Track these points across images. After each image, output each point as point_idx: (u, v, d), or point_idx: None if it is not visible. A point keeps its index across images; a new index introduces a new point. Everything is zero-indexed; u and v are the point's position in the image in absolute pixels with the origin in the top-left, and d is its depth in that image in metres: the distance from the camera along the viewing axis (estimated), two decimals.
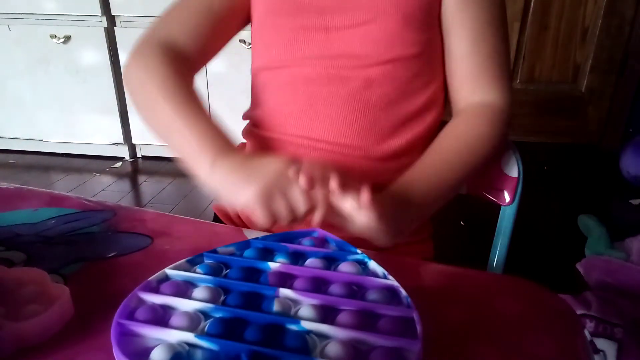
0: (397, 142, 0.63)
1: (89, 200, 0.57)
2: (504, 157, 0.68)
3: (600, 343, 1.06)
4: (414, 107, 0.63)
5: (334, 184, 0.46)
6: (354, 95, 0.61)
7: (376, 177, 0.62)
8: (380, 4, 0.60)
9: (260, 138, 0.67)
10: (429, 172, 0.58)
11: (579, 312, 1.12)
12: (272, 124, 0.66)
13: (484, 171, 0.65)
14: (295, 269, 0.39)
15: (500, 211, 0.72)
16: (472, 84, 0.64)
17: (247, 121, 0.72)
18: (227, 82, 2.09)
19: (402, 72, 0.62)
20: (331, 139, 0.62)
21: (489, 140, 0.62)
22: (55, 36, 2.21)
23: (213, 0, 0.65)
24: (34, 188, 0.60)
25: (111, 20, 2.20)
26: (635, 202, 1.98)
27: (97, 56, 2.23)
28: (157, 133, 0.59)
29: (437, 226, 0.70)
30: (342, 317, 0.33)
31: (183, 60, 0.62)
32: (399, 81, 0.62)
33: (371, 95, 0.61)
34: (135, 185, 2.21)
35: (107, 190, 2.13)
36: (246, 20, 0.69)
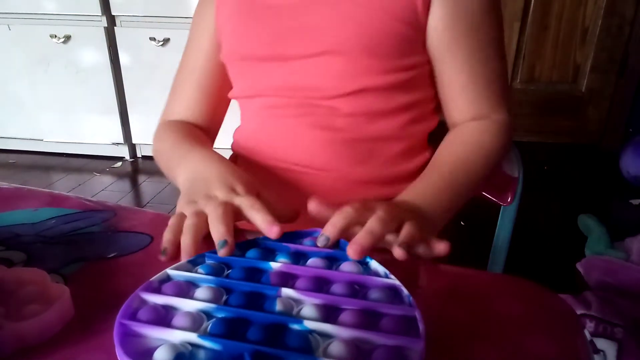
0: (374, 164, 0.62)
1: (89, 200, 0.57)
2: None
3: (600, 343, 1.06)
4: (392, 129, 0.62)
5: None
6: (322, 123, 0.61)
7: (354, 198, 0.62)
8: (339, 35, 0.57)
9: (243, 156, 0.69)
10: (440, 183, 0.55)
11: (579, 312, 1.12)
12: (252, 146, 0.67)
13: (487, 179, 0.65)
14: (296, 269, 0.39)
15: (500, 211, 0.72)
16: (473, 109, 0.61)
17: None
18: None
19: (371, 101, 0.60)
20: (306, 163, 0.62)
21: (493, 149, 0.60)
22: (55, 36, 2.21)
23: (199, 77, 0.69)
24: (33, 188, 0.60)
25: (111, 20, 2.20)
26: (635, 202, 1.98)
27: (97, 56, 2.23)
28: (163, 170, 0.64)
29: None
30: (345, 317, 0.33)
31: (191, 126, 0.69)
32: (368, 109, 0.60)
33: (340, 122, 0.61)
34: (135, 185, 2.21)
35: (107, 190, 2.13)
36: None
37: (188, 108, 0.70)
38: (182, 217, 0.44)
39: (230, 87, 0.69)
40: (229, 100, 0.72)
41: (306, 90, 0.60)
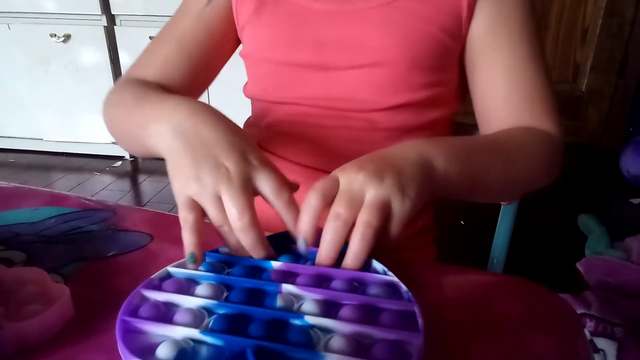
0: None
1: (88, 200, 0.57)
2: None
3: (600, 342, 1.06)
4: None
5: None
6: (357, 136, 0.59)
7: None
8: (386, 47, 0.55)
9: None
10: (457, 143, 0.47)
11: (579, 311, 1.12)
12: (274, 146, 0.64)
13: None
14: (297, 267, 0.39)
15: (500, 211, 0.72)
16: (515, 117, 0.55)
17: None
18: (227, 81, 2.09)
19: (407, 117, 0.59)
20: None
21: (534, 152, 0.52)
22: (55, 35, 2.21)
23: (185, 32, 0.60)
24: (33, 187, 0.60)
25: (111, 19, 2.20)
26: (635, 201, 1.98)
27: (97, 55, 2.23)
28: (126, 139, 0.54)
29: (437, 226, 0.70)
30: (345, 312, 0.33)
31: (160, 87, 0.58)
32: (402, 124, 0.59)
33: (375, 137, 0.59)
34: (135, 185, 2.21)
35: (107, 189, 2.13)
36: (233, 47, 0.65)
37: (164, 71, 0.60)
38: (195, 207, 0.38)
39: (219, 68, 0.65)
40: (212, 80, 0.65)
41: (344, 101, 0.58)
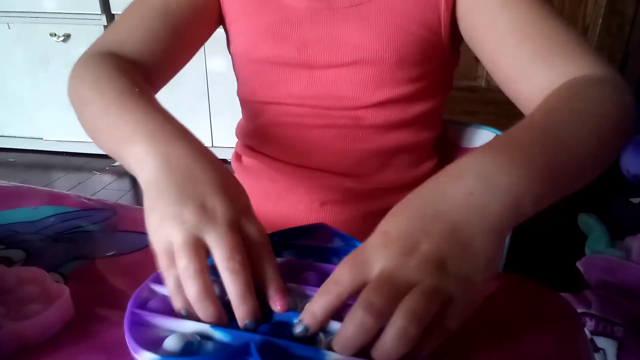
0: (390, 171, 0.63)
1: (88, 199, 0.57)
2: None
3: (601, 341, 1.06)
4: (406, 139, 0.62)
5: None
6: (344, 134, 0.60)
7: (374, 204, 0.62)
8: (366, 44, 0.55)
9: (255, 156, 0.66)
10: (523, 135, 0.37)
11: (579, 310, 1.12)
12: (265, 148, 0.65)
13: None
14: (300, 263, 0.39)
15: None
16: (545, 62, 0.47)
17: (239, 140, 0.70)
18: (227, 81, 2.09)
19: (392, 112, 0.59)
20: (327, 168, 0.62)
21: (611, 103, 0.42)
22: (55, 34, 2.20)
23: (169, 3, 0.56)
24: (33, 186, 0.60)
25: (111, 19, 2.19)
26: (635, 200, 1.98)
27: None
28: (88, 132, 0.49)
29: None
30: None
31: (134, 66, 0.52)
32: (388, 120, 0.60)
33: (362, 134, 0.60)
34: (135, 184, 2.21)
35: (107, 188, 2.13)
36: (213, 28, 0.64)
37: (147, 46, 0.55)
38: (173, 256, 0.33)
39: (200, 45, 0.62)
40: (190, 58, 0.62)
41: (330, 98, 0.59)
